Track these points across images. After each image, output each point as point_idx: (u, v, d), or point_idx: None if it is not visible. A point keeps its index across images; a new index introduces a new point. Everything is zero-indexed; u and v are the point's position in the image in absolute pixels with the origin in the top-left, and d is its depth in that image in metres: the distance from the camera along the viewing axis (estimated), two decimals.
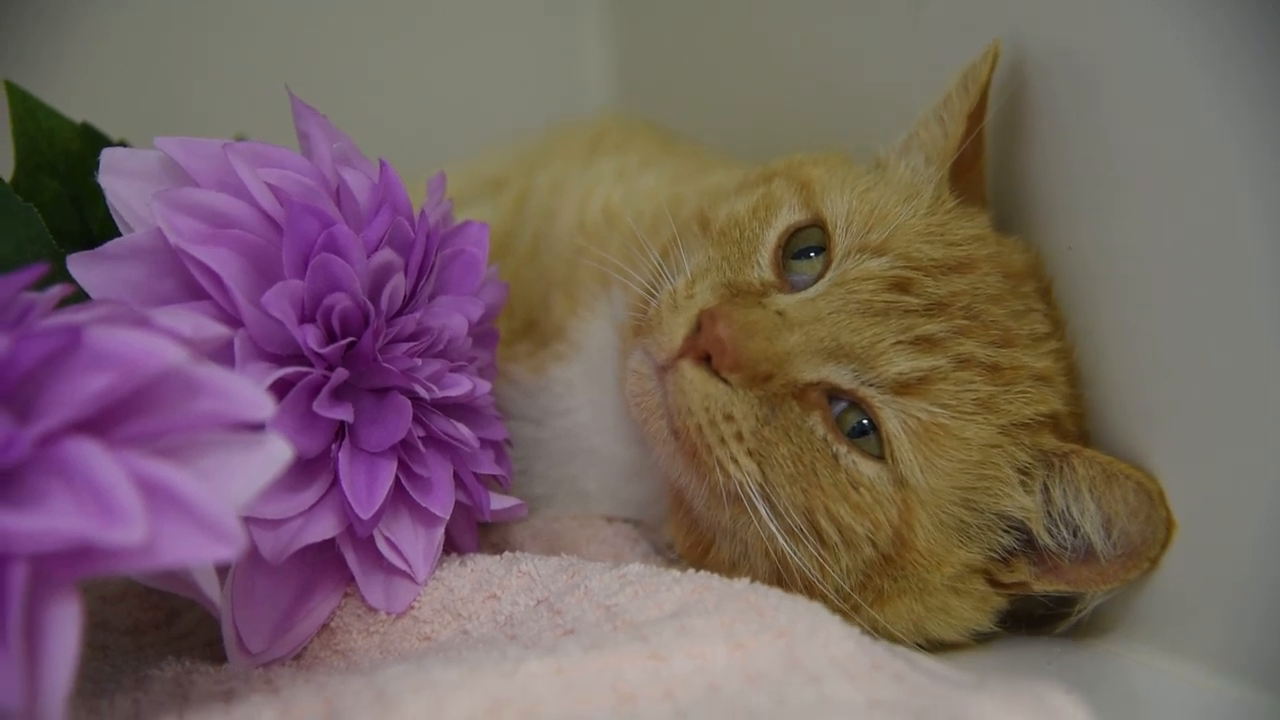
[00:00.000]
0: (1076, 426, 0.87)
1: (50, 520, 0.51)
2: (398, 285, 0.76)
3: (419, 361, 0.78)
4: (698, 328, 0.83)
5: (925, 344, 0.82)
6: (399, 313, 0.77)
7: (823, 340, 0.82)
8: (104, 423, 0.54)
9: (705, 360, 0.83)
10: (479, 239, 0.84)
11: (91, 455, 0.52)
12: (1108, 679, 0.73)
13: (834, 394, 0.83)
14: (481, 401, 0.84)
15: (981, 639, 0.88)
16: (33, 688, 0.50)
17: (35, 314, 0.58)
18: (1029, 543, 0.85)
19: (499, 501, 0.85)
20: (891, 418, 0.81)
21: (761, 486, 0.83)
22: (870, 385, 0.82)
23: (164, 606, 0.83)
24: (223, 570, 0.69)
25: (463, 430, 0.80)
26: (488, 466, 0.83)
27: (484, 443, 0.83)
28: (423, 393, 0.77)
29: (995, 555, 0.85)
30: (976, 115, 0.89)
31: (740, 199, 0.94)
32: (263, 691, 0.64)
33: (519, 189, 1.16)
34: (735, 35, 1.42)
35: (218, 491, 0.53)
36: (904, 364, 0.81)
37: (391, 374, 0.76)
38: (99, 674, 0.71)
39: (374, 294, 0.75)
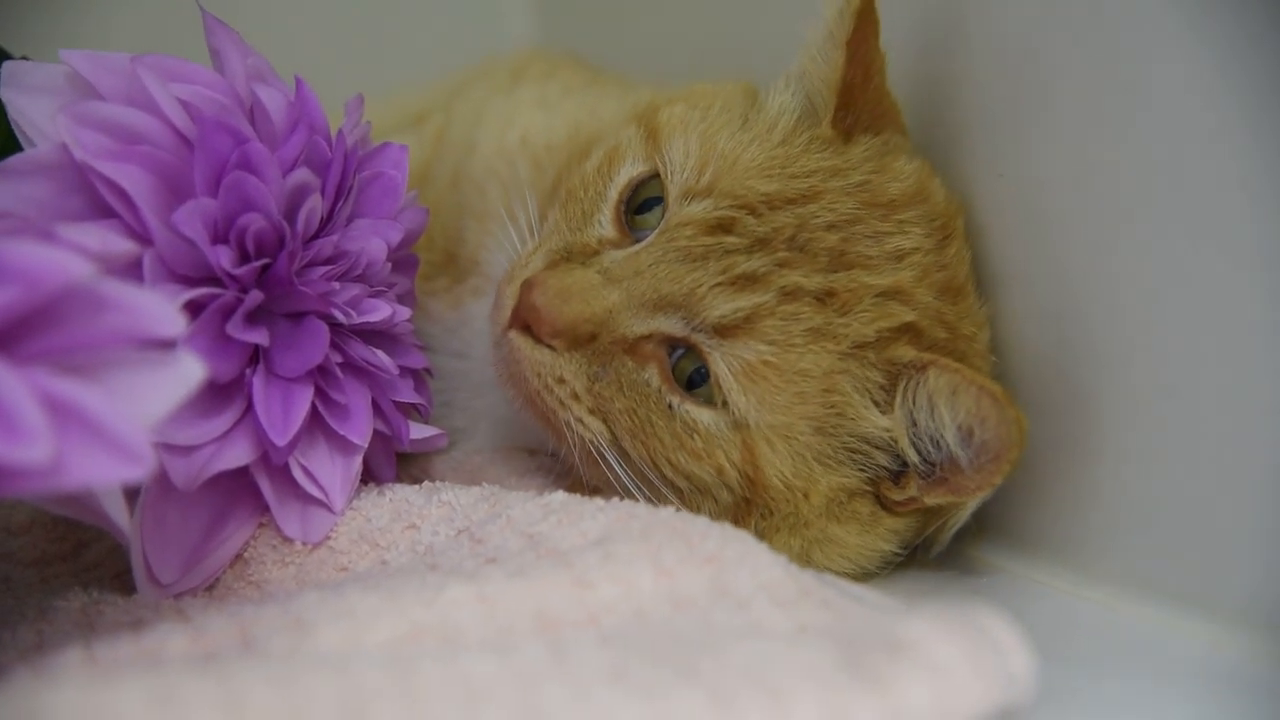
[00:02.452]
0: (949, 334, 0.85)
1: None
2: (314, 206, 0.74)
3: (336, 285, 0.75)
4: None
5: (745, 282, 0.81)
6: (315, 235, 0.75)
7: (644, 293, 0.82)
8: (5, 339, 0.52)
9: (527, 329, 0.85)
10: (398, 161, 0.82)
11: None
12: (1029, 604, 0.73)
13: (672, 343, 0.83)
14: (400, 329, 0.82)
15: (898, 569, 0.89)
16: None
17: None
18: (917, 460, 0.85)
19: (419, 431, 0.84)
20: (719, 361, 0.81)
21: (612, 442, 0.84)
22: (699, 331, 0.82)
23: (71, 538, 0.81)
24: (132, 498, 0.67)
25: (381, 357, 0.79)
26: (407, 395, 0.82)
27: (403, 371, 0.81)
28: (340, 318, 0.75)
29: (879, 475, 0.85)
30: (858, 40, 0.86)
31: (599, 152, 0.93)
32: (173, 620, 0.63)
33: (439, 122, 1.14)
34: None
35: (127, 410, 0.51)
36: (724, 306, 0.81)
37: (308, 298, 0.73)
38: (1, 606, 0.69)
39: (290, 215, 0.72)
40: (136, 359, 0.54)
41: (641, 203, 0.88)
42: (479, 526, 0.73)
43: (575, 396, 0.84)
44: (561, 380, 0.84)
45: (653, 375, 0.83)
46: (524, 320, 0.84)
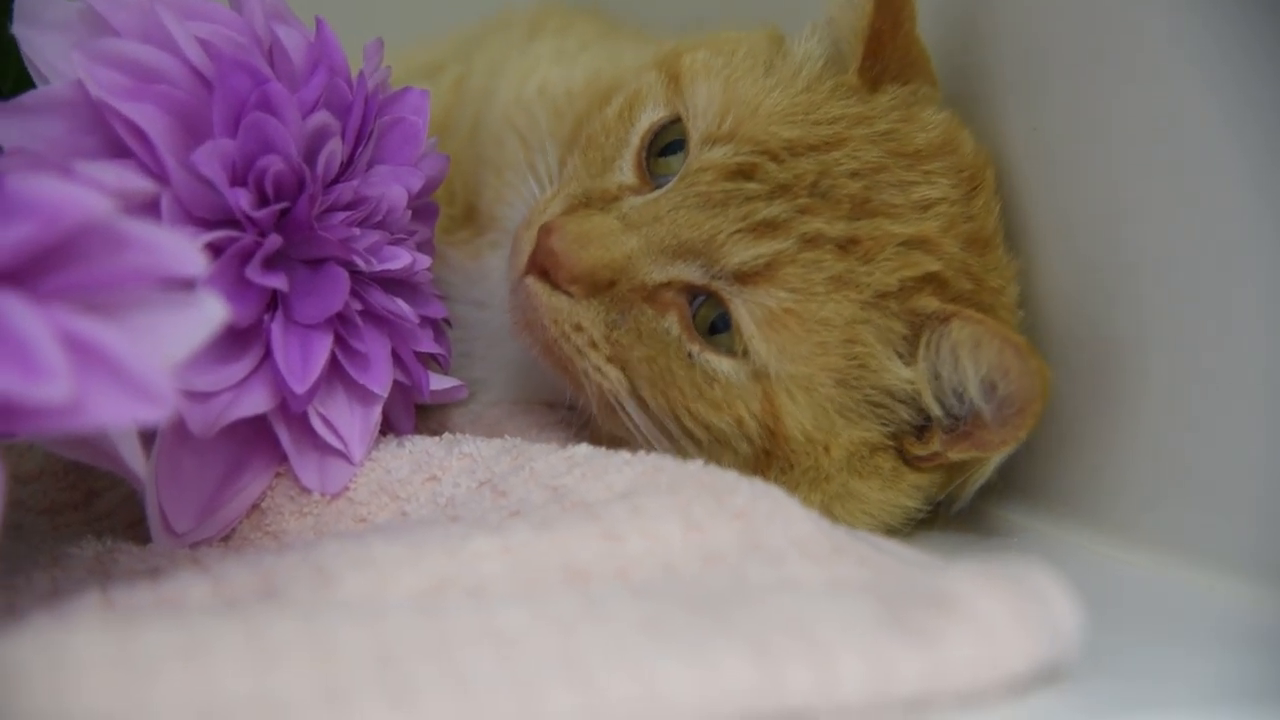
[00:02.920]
0: (974, 286, 0.84)
1: None
2: (334, 150, 0.72)
3: (356, 231, 0.74)
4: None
5: (766, 229, 0.80)
6: (335, 180, 0.73)
7: (663, 240, 0.81)
8: (23, 276, 0.51)
9: (545, 275, 0.83)
10: (419, 106, 0.80)
11: (11, 307, 0.48)
12: (1060, 564, 0.72)
13: (692, 290, 0.82)
14: (420, 277, 0.80)
15: (921, 527, 0.88)
16: None
17: None
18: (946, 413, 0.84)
19: (438, 382, 0.82)
20: (740, 308, 0.80)
21: (631, 391, 0.82)
22: (719, 278, 0.80)
23: (82, 487, 0.79)
24: (146, 445, 0.66)
25: (402, 306, 0.77)
26: (427, 345, 0.80)
27: (423, 320, 0.80)
28: (361, 264, 0.74)
29: (902, 429, 0.84)
30: None
31: (619, 98, 0.92)
32: (191, 569, 0.61)
33: (457, 74, 1.12)
34: None
35: (148, 349, 0.50)
36: (744, 253, 0.79)
37: (328, 243, 0.72)
38: (13, 553, 0.68)
39: (310, 158, 0.71)
40: (157, 299, 0.52)
41: (664, 148, 0.86)
42: (501, 479, 0.72)
43: (593, 344, 0.82)
44: (579, 327, 0.82)
45: (672, 323, 0.82)
46: (541, 265, 0.82)
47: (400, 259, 0.76)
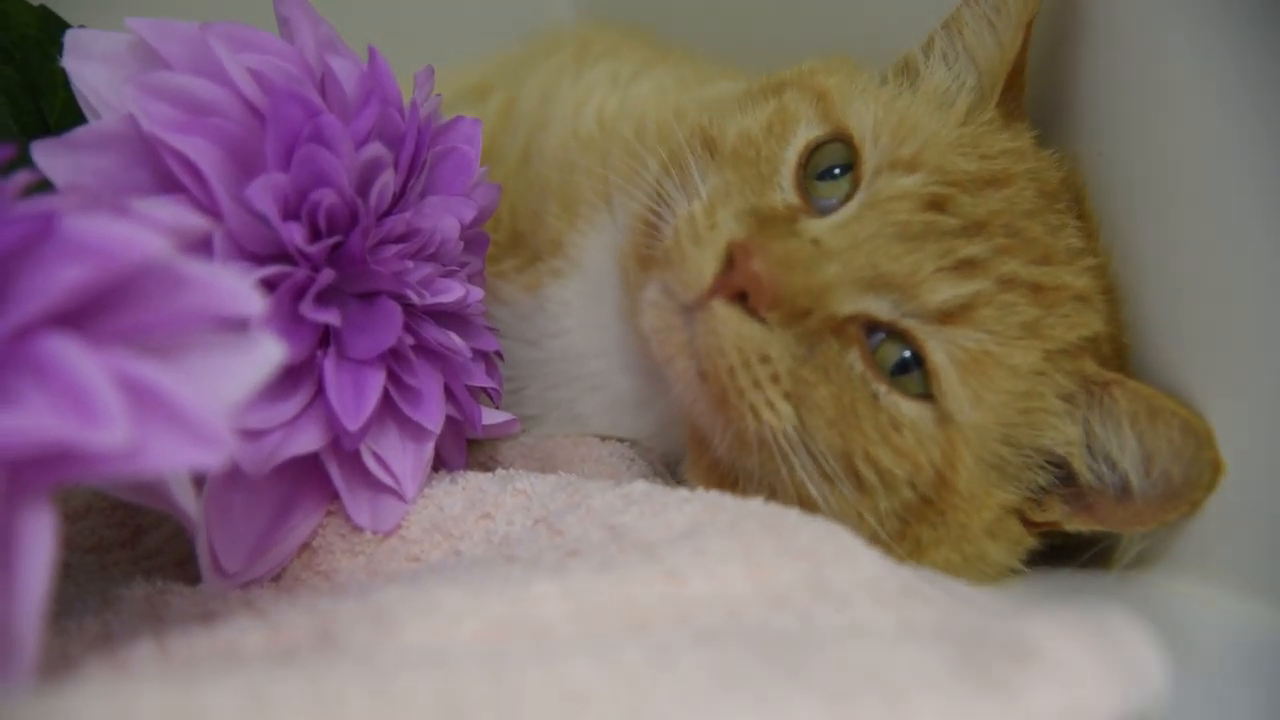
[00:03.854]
0: (1114, 351, 0.83)
1: (24, 421, 0.46)
2: (387, 182, 0.71)
3: (409, 264, 0.73)
4: (729, 263, 0.77)
5: (967, 267, 0.77)
6: (388, 212, 0.73)
7: (861, 269, 0.77)
8: (81, 318, 0.50)
9: (739, 298, 0.77)
10: (471, 136, 0.79)
11: (68, 351, 0.48)
12: (1140, 605, 0.70)
13: (871, 326, 0.78)
14: (472, 310, 0.79)
15: None
16: (8, 599, 0.46)
17: (2, 200, 0.53)
18: (1063, 478, 0.82)
19: (491, 416, 0.81)
20: (938, 349, 0.77)
21: (797, 430, 0.77)
22: (911, 316, 0.77)
23: (130, 524, 0.79)
24: (198, 484, 0.65)
25: (455, 339, 0.76)
26: (479, 379, 0.79)
27: (475, 353, 0.79)
28: (414, 298, 0.73)
29: (1031, 494, 0.82)
30: (1031, 23, 0.84)
31: (749, 114, 0.88)
32: (245, 613, 0.60)
33: (505, 97, 1.11)
34: None
35: (206, 393, 0.49)
36: (947, 291, 0.76)
37: (381, 276, 0.71)
38: (63, 594, 0.67)
39: (362, 190, 0.70)
40: (214, 340, 0.52)
41: (820, 172, 0.83)
42: (557, 516, 0.70)
43: (774, 378, 0.77)
44: (766, 359, 0.76)
45: (855, 360, 0.78)
46: (738, 288, 0.76)
47: (453, 292, 0.76)
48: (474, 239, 0.84)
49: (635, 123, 0.99)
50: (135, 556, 0.76)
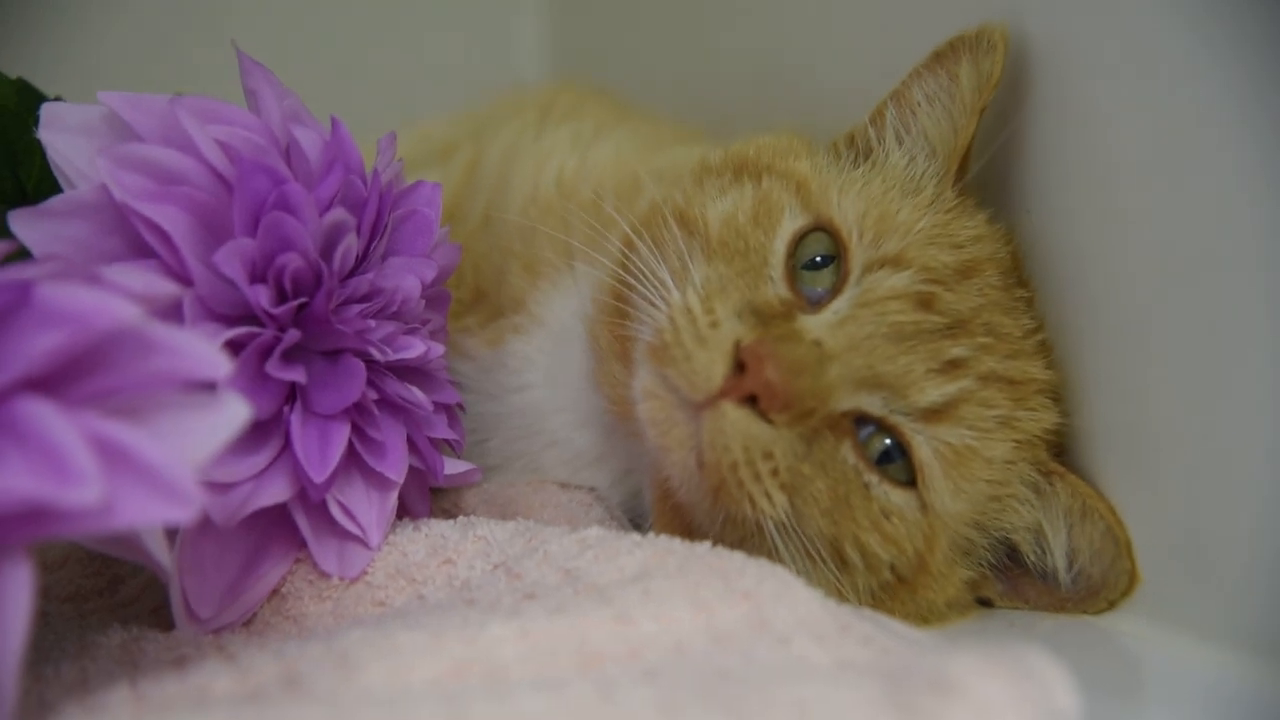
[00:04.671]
0: (1057, 436, 0.87)
1: (2, 481, 0.49)
2: (350, 245, 0.74)
3: (372, 323, 0.76)
4: (738, 365, 0.78)
5: (952, 367, 0.81)
6: (351, 273, 0.76)
7: (859, 370, 0.80)
8: (56, 382, 0.53)
9: (749, 401, 0.78)
10: (431, 199, 0.83)
11: (44, 414, 0.51)
12: (1060, 637, 0.73)
13: (861, 419, 0.81)
14: (434, 365, 0.83)
15: None
16: None
17: None
18: (1009, 557, 0.87)
19: (453, 466, 0.84)
20: (923, 445, 0.81)
21: (789, 516, 0.80)
22: (900, 413, 0.81)
23: (106, 574, 0.81)
24: (170, 535, 0.68)
25: (416, 394, 0.79)
26: (441, 430, 0.82)
27: (437, 406, 0.82)
28: (376, 355, 0.76)
29: (982, 569, 0.86)
30: (985, 110, 0.87)
31: (726, 198, 0.90)
32: (216, 658, 0.63)
33: (469, 156, 1.13)
34: (676, 5, 1.41)
35: (175, 451, 0.52)
36: (934, 393, 0.80)
37: (344, 335, 0.74)
38: (42, 642, 0.69)
39: (326, 254, 0.73)
40: (182, 400, 0.55)
41: (804, 259, 0.85)
42: (515, 561, 0.73)
43: (775, 473, 0.79)
44: (769, 456, 0.78)
45: (848, 452, 0.81)
46: (749, 392, 0.78)
47: (415, 348, 0.79)
48: (435, 297, 0.87)
49: (594, 185, 1.02)
50: (112, 605, 0.79)
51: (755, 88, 1.24)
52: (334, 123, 0.77)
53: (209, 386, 0.57)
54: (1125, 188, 0.81)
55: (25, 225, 0.66)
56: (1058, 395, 0.86)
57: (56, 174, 0.70)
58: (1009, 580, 0.87)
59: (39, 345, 0.52)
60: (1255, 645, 0.72)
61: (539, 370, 1.00)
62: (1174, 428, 0.79)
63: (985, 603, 0.88)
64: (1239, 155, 0.72)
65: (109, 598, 0.79)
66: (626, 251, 0.91)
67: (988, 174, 0.91)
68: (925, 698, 0.54)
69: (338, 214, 0.73)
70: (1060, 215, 0.87)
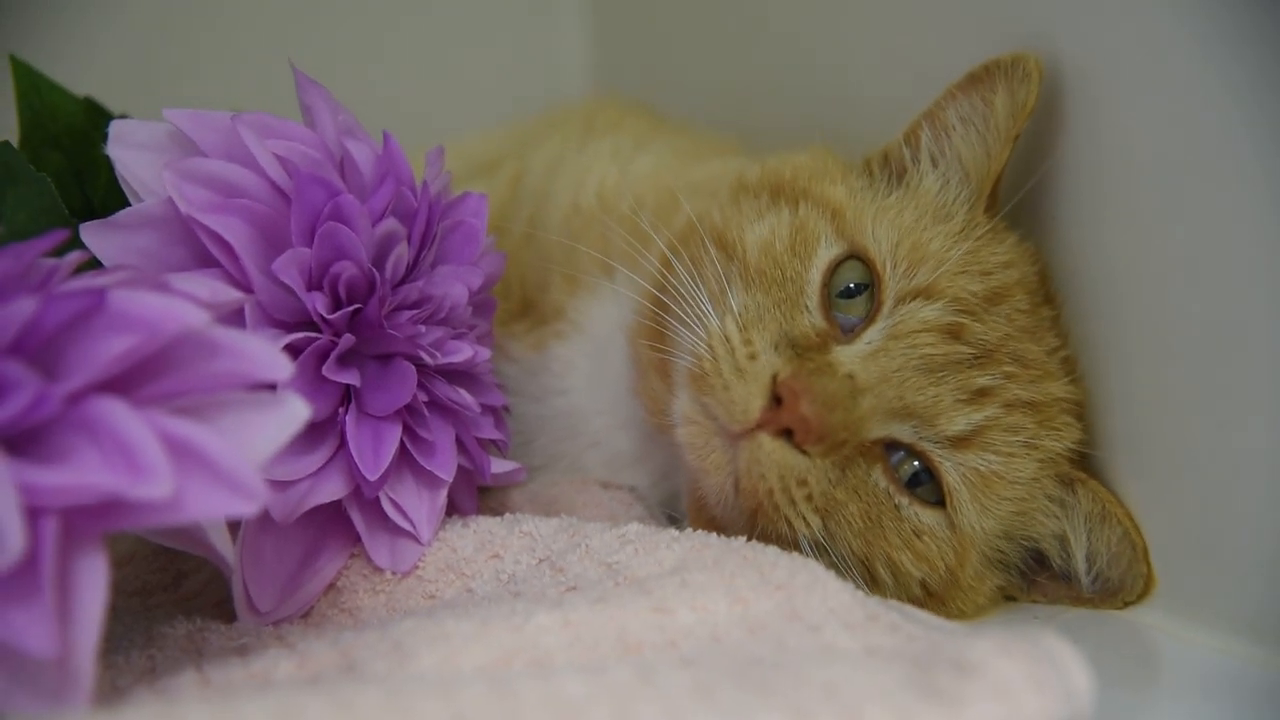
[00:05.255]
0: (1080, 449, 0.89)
1: (79, 475, 0.52)
2: (401, 254, 0.78)
3: (422, 328, 0.79)
4: (776, 399, 0.81)
5: (979, 396, 0.83)
6: (402, 281, 0.79)
7: (891, 401, 0.82)
8: (128, 383, 0.56)
9: (785, 434, 0.81)
10: (478, 210, 0.86)
11: (118, 413, 0.54)
12: (1096, 634, 0.76)
13: (892, 445, 0.84)
14: (481, 368, 0.86)
15: None
16: (65, 636, 0.52)
17: (57, 278, 0.59)
18: (1036, 560, 0.89)
19: (499, 465, 0.87)
20: (951, 471, 0.83)
21: (823, 536, 0.83)
22: (929, 440, 0.83)
23: (171, 569, 0.84)
24: (232, 531, 0.71)
25: (464, 395, 0.82)
26: (488, 431, 0.85)
27: (484, 408, 0.85)
28: (426, 359, 0.79)
29: (1010, 575, 0.89)
30: (1019, 137, 0.89)
31: (763, 222, 0.92)
32: (277, 646, 0.66)
33: (513, 170, 1.16)
34: (713, 23, 1.43)
35: (239, 448, 0.55)
36: (962, 422, 0.83)
37: (396, 340, 0.77)
38: (111, 633, 0.72)
39: (379, 262, 0.77)
40: (245, 400, 0.58)
41: (839, 288, 0.87)
42: (559, 556, 0.76)
43: (809, 498, 0.82)
44: (803, 483, 0.82)
45: (879, 476, 0.84)
46: (785, 425, 0.81)
47: (463, 352, 0.82)
48: (482, 303, 0.90)
49: (634, 198, 1.04)
50: (177, 599, 0.82)
51: (794, 101, 1.25)
52: (386, 137, 0.80)
53: (270, 388, 0.60)
54: (1147, 205, 0.83)
55: (96, 237, 0.70)
56: (1080, 411, 0.88)
57: (124, 188, 0.74)
58: (1033, 580, 0.90)
59: (112, 349, 0.55)
60: (1266, 636, 0.74)
61: (580, 375, 1.03)
62: (1191, 433, 0.81)
63: (1008, 597, 0.91)
64: (1269, 175, 0.74)
65: (173, 592, 0.83)
66: (664, 271, 0.93)
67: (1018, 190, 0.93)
68: (946, 678, 0.57)
69: (390, 224, 0.77)
70: (1088, 231, 0.89)
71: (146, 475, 0.52)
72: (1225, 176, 0.76)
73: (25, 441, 0.54)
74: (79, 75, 0.90)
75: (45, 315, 0.55)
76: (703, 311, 0.88)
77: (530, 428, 1.04)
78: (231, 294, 0.69)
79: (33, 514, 0.52)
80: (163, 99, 0.77)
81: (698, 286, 0.89)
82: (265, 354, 0.58)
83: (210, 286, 0.68)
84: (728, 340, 0.85)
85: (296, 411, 0.57)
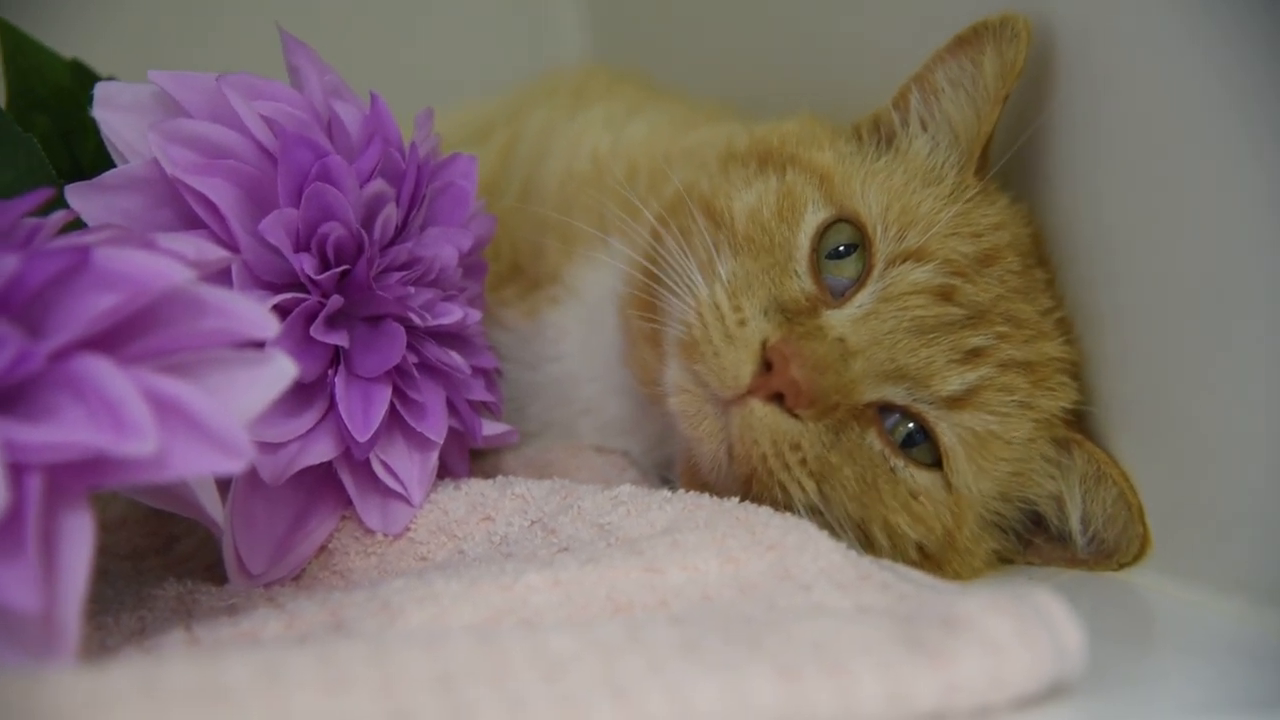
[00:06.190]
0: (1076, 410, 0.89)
1: (64, 433, 0.52)
2: (390, 215, 0.77)
3: (411, 290, 0.79)
4: (766, 364, 0.81)
5: (973, 356, 0.83)
6: (391, 243, 0.79)
7: (883, 364, 0.82)
8: (113, 340, 0.56)
9: (776, 398, 0.81)
10: (467, 172, 0.85)
11: (102, 370, 0.53)
12: (1092, 595, 0.76)
13: (886, 407, 0.84)
14: (472, 330, 0.85)
15: None
16: (50, 593, 0.52)
17: (41, 237, 0.59)
18: (1032, 521, 0.89)
19: (491, 427, 0.87)
20: (947, 432, 0.83)
21: (818, 500, 0.83)
22: (924, 402, 0.83)
23: (163, 533, 0.85)
24: (223, 492, 0.71)
25: (455, 357, 0.82)
26: (479, 393, 0.85)
27: (475, 370, 0.85)
28: (416, 320, 0.79)
29: (1007, 538, 0.89)
30: (1008, 97, 0.88)
31: (750, 190, 0.92)
32: (266, 607, 0.66)
33: (506, 136, 1.15)
34: None
35: (225, 406, 0.55)
36: (956, 382, 0.82)
37: (385, 301, 0.77)
38: (102, 595, 0.73)
39: (367, 223, 0.76)
40: (232, 358, 0.58)
41: (827, 249, 0.87)
42: (551, 518, 0.76)
43: (803, 462, 0.82)
44: (796, 447, 0.82)
45: (874, 439, 0.83)
46: (776, 390, 0.81)
47: (453, 314, 0.81)
48: (472, 266, 0.90)
49: (627, 165, 1.04)
50: (168, 562, 0.82)
51: (789, 69, 1.25)
52: (373, 97, 0.80)
53: (257, 346, 0.60)
54: (1143, 170, 0.82)
55: (81, 198, 0.70)
56: (1076, 371, 0.88)
57: (110, 150, 0.73)
58: (1029, 541, 0.90)
59: (97, 306, 0.55)
60: (1262, 595, 0.74)
61: (574, 341, 1.03)
62: (1187, 393, 0.81)
63: (1004, 560, 0.90)
64: (1268, 134, 0.73)
65: (165, 555, 0.83)
66: (653, 242, 0.93)
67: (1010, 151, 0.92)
68: (934, 633, 0.56)
69: (378, 185, 0.76)
70: (1082, 195, 0.89)
71: (131, 432, 0.52)
72: (1223, 135, 0.75)
73: (9, 399, 0.54)
74: (66, 38, 0.89)
75: (29, 272, 0.55)
76: (691, 280, 0.88)
77: (523, 394, 1.04)
78: (218, 253, 0.69)
79: (16, 470, 0.52)
80: (150, 61, 0.76)
81: (686, 256, 0.89)
82: (252, 312, 0.58)
83: (197, 245, 0.68)
84: (717, 307, 0.85)
85: (284, 369, 0.57)
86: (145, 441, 0.52)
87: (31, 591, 0.51)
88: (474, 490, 0.81)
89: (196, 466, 0.54)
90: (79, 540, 0.53)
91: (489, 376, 0.89)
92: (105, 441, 0.52)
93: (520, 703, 0.51)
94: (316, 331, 0.74)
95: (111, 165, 0.73)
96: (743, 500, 0.78)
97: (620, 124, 1.12)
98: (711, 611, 0.63)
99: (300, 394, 0.75)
